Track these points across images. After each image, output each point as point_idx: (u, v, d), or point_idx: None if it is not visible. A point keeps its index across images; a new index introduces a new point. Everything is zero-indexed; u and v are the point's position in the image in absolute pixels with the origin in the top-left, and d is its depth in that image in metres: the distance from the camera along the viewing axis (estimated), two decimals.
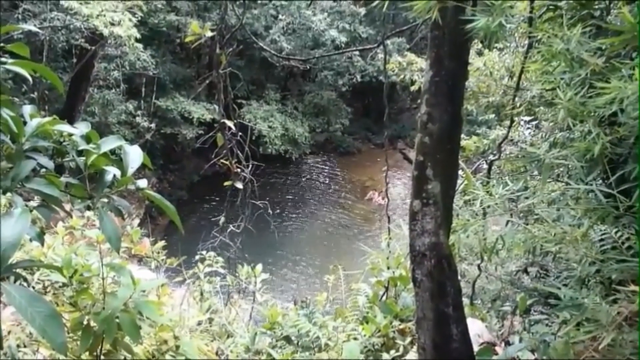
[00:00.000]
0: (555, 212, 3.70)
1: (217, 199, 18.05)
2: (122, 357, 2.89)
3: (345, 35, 23.58)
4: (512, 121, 5.86)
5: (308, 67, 24.20)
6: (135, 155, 2.04)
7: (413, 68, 9.23)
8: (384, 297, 5.60)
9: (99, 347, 2.61)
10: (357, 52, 24.19)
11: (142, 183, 1.97)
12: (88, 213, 7.15)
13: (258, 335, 5.28)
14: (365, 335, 4.72)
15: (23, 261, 1.70)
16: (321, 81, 25.63)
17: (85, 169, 2.00)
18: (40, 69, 2.09)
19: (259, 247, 10.82)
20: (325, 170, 25.82)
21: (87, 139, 2.04)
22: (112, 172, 2.00)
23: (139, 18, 16.02)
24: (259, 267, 6.49)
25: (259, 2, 23.51)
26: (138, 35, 15.14)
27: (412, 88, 9.51)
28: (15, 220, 1.60)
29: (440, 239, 2.43)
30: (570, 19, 2.72)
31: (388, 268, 5.69)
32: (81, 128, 2.01)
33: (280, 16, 23.56)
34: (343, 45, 23.15)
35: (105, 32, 13.94)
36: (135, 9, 16.03)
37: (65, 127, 2.01)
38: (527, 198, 3.81)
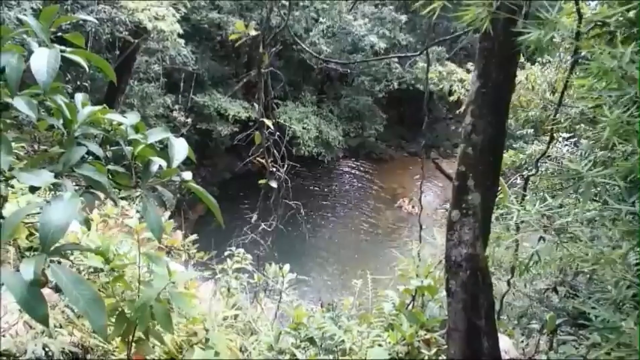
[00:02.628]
0: (590, 232, 3.64)
1: (248, 197, 18.18)
2: (152, 345, 2.94)
3: (384, 41, 23.54)
4: (552, 137, 5.77)
5: (346, 71, 24.24)
6: (180, 148, 2.08)
7: (453, 78, 9.16)
8: (411, 306, 5.56)
9: (132, 333, 2.66)
10: (395, 59, 24.13)
11: (187, 175, 2.00)
12: (121, 202, 7.27)
13: (282, 334, 5.29)
14: (390, 343, 4.69)
15: (69, 244, 1.74)
16: (358, 86, 25.62)
17: (132, 158, 2.04)
18: (94, 59, 2.14)
19: (287, 247, 10.87)
20: (357, 175, 25.78)
21: (135, 129, 2.09)
22: (157, 162, 2.04)
23: (183, 14, 16.24)
24: (287, 267, 6.52)
25: (301, 4, 23.62)
26: (181, 31, 15.36)
27: (451, 98, 9.44)
28: (64, 204, 1.64)
29: (476, 251, 2.41)
30: (621, 36, 2.67)
31: (417, 276, 5.66)
32: (131, 118, 2.06)
33: (321, 19, 23.63)
34: (382, 52, 23.12)
35: (149, 26, 14.17)
36: (179, 4, 16.27)
37: (116, 117, 2.05)
38: (561, 216, 3.76)
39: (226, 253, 6.40)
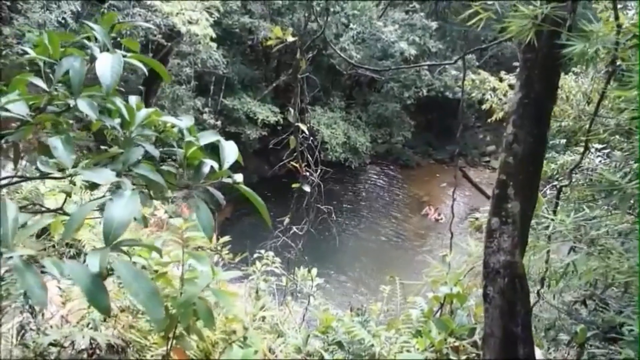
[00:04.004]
0: (622, 245, 3.63)
1: (276, 200, 18.28)
2: (191, 342, 3.02)
3: (414, 48, 23.51)
4: (586, 148, 5.74)
5: (377, 77, 24.27)
6: (230, 151, 2.16)
7: (485, 86, 9.14)
8: (439, 313, 5.58)
9: (173, 329, 2.74)
10: (425, 67, 24.11)
11: (239, 177, 2.08)
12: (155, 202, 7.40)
13: (311, 337, 5.34)
14: (418, 349, 4.71)
15: (128, 240, 1.82)
16: (387, 92, 25.63)
17: (184, 159, 2.13)
18: (149, 62, 2.24)
19: (315, 251, 10.92)
20: (383, 182, 25.76)
21: (188, 132, 2.17)
22: (209, 164, 2.12)
23: (215, 18, 16.47)
24: (314, 270, 6.58)
25: (332, 9, 23.72)
26: (213, 35, 15.59)
27: (483, 107, 9.41)
28: (126, 201, 1.72)
29: (515, 258, 2.45)
30: None
31: (446, 284, 5.67)
32: (185, 121, 2.14)
33: (351, 25, 23.70)
34: (412, 58, 23.10)
35: (183, 29, 14.41)
36: (212, 9, 16.50)
37: (171, 119, 2.14)
38: (593, 228, 3.76)
39: (255, 255, 6.49)
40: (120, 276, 1.64)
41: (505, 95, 8.73)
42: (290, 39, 5.22)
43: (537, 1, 2.29)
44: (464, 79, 4.06)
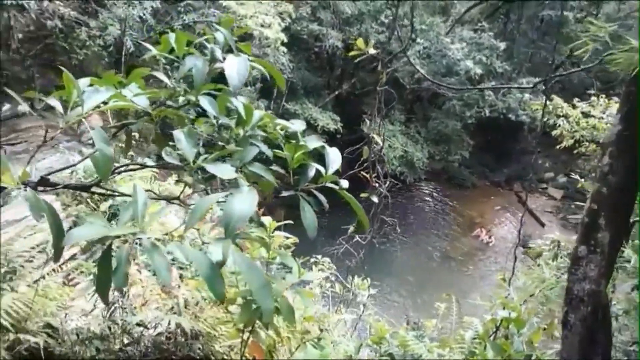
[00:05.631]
0: None
1: (330, 207, 18.38)
2: (265, 336, 3.13)
3: (480, 67, 23.27)
4: None
5: (443, 93, 24.13)
6: (335, 157, 2.25)
7: (558, 112, 8.99)
8: (494, 337, 5.55)
9: (253, 323, 2.85)
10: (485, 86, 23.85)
11: (344, 183, 2.17)
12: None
13: (363, 346, 5.40)
14: None
15: (242, 232, 1.94)
16: (448, 110, 25.43)
17: (291, 162, 2.23)
18: (268, 67, 2.36)
19: (367, 262, 10.96)
20: (436, 199, 25.52)
21: (296, 135, 2.28)
22: (314, 167, 2.22)
23: (287, 24, 16.75)
24: (367, 281, 6.64)
25: (400, 22, 23.74)
26: (285, 39, 15.86)
27: (554, 133, 9.26)
28: (244, 196, 1.84)
29: (600, 287, 2.46)
30: None
31: (504, 308, 5.64)
32: (297, 125, 2.25)
33: (418, 39, 23.65)
34: (477, 78, 22.88)
35: (256, 32, 14.71)
36: (285, 14, 16.80)
37: (283, 122, 2.26)
38: None
39: (312, 260, 6.59)
40: (237, 267, 1.75)
41: (577, 123, 8.59)
42: (372, 51, 5.30)
43: None
44: (545, 104, 4.04)
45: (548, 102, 8.51)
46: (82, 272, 6.17)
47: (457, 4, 24.98)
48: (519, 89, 22.44)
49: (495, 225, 23.54)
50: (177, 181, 11.09)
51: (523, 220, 5.81)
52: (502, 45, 24.26)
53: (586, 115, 8.56)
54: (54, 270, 5.12)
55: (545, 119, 8.21)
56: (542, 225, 22.63)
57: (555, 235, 6.73)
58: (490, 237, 22.14)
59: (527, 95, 23.55)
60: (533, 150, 27.29)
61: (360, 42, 5.37)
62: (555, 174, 27.46)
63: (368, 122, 5.04)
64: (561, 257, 6.09)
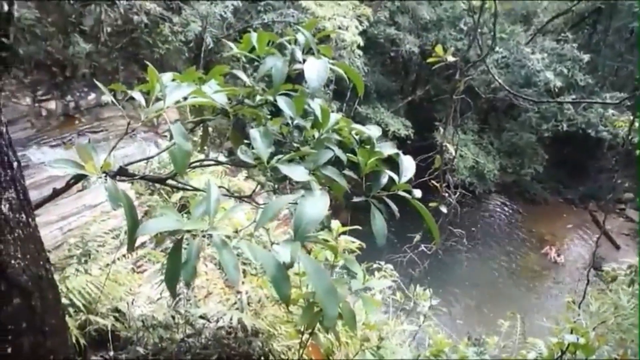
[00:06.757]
0: None
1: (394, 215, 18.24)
2: (324, 339, 3.12)
3: (560, 79, 22.42)
4: None
5: (520, 104, 23.43)
6: (409, 165, 2.21)
7: None
8: None
9: (315, 325, 2.84)
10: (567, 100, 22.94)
11: (417, 193, 2.12)
12: None
13: (422, 357, 5.30)
14: None
15: (312, 235, 1.93)
16: (524, 122, 24.68)
17: (364, 167, 2.20)
18: (349, 71, 2.34)
19: (430, 272, 10.81)
20: (505, 213, 24.81)
21: (371, 141, 2.25)
22: (387, 175, 2.18)
23: (365, 27, 16.72)
24: (429, 291, 6.52)
25: (480, 31, 23.23)
26: (362, 43, 15.85)
27: (638, 151, 8.79)
28: (316, 199, 1.82)
29: None
30: None
31: (572, 332, 5.41)
32: (373, 131, 2.22)
33: (497, 48, 23.08)
34: (556, 90, 22.06)
35: (333, 34, 14.75)
36: (363, 17, 16.78)
37: (359, 127, 2.23)
38: None
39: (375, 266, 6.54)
40: (305, 270, 1.74)
41: None
42: (451, 58, 5.20)
43: None
44: (633, 121, 3.84)
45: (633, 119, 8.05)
46: (150, 259, 6.38)
47: (540, 13, 24.20)
48: (603, 104, 21.45)
49: (566, 244, 22.66)
50: (247, 177, 11.30)
51: (599, 242, 5.54)
52: (586, 57, 23.27)
53: None
54: (124, 256, 5.31)
55: (630, 137, 7.80)
56: (617, 247, 21.60)
57: (633, 260, 6.42)
58: (559, 256, 21.34)
59: (610, 111, 22.50)
60: (612, 168, 26.07)
61: (439, 49, 5.27)
62: (634, 195, 26.13)
63: (441, 129, 4.93)
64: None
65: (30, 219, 1.97)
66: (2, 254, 1.82)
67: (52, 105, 10.28)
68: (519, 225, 23.97)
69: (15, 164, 1.88)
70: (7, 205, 1.83)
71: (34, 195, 2.12)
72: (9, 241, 1.84)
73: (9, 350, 1.88)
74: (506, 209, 25.07)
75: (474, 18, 5.23)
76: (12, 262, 1.86)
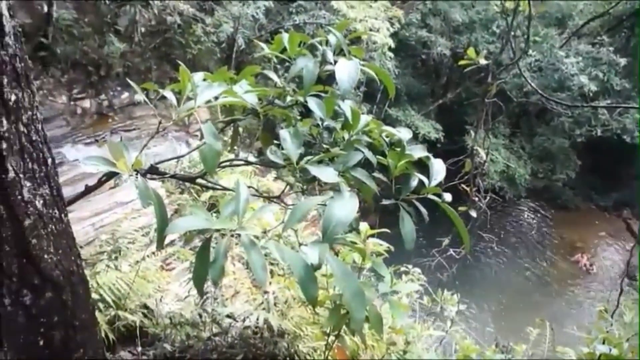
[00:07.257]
0: None
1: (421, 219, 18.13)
2: (350, 342, 3.10)
3: (595, 84, 21.95)
4: None
5: (553, 109, 23.03)
6: (440, 169, 2.19)
7: None
8: None
9: (341, 327, 2.83)
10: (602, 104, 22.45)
11: (448, 197, 2.10)
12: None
13: None
14: None
15: (340, 237, 1.92)
16: (556, 126, 24.24)
17: (393, 170, 2.19)
18: (380, 72, 2.33)
19: (457, 276, 10.71)
20: (535, 219, 24.41)
21: (402, 144, 2.23)
22: (417, 178, 2.16)
23: (396, 29, 16.66)
24: (456, 296, 6.46)
25: (512, 33, 22.92)
26: (393, 45, 15.78)
27: None
28: (346, 201, 1.82)
29: None
30: None
31: (604, 342, 5.30)
32: (404, 133, 2.20)
33: (530, 51, 22.74)
34: (591, 94, 21.62)
35: (364, 36, 14.73)
36: (394, 19, 16.71)
37: (390, 129, 2.22)
38: None
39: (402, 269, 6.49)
40: (333, 272, 1.73)
41: None
42: (483, 61, 5.14)
43: None
44: None
45: None
46: (178, 257, 6.45)
47: (575, 16, 23.76)
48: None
49: (598, 252, 22.20)
50: (276, 178, 11.35)
51: (634, 251, 5.41)
52: (623, 61, 22.75)
53: None
54: (153, 253, 5.38)
55: None
56: None
57: None
58: (591, 265, 20.92)
59: None
60: None
61: (471, 52, 5.22)
62: None
63: (472, 133, 4.87)
64: None
65: (63, 215, 2.00)
66: (36, 249, 1.85)
67: (86, 103, 10.48)
68: (550, 231, 23.56)
69: (49, 161, 1.91)
70: (42, 201, 1.86)
71: (67, 192, 2.16)
72: (42, 236, 1.87)
73: (41, 342, 1.91)
74: (537, 214, 24.67)
75: (507, 21, 5.16)
76: (46, 256, 1.89)
